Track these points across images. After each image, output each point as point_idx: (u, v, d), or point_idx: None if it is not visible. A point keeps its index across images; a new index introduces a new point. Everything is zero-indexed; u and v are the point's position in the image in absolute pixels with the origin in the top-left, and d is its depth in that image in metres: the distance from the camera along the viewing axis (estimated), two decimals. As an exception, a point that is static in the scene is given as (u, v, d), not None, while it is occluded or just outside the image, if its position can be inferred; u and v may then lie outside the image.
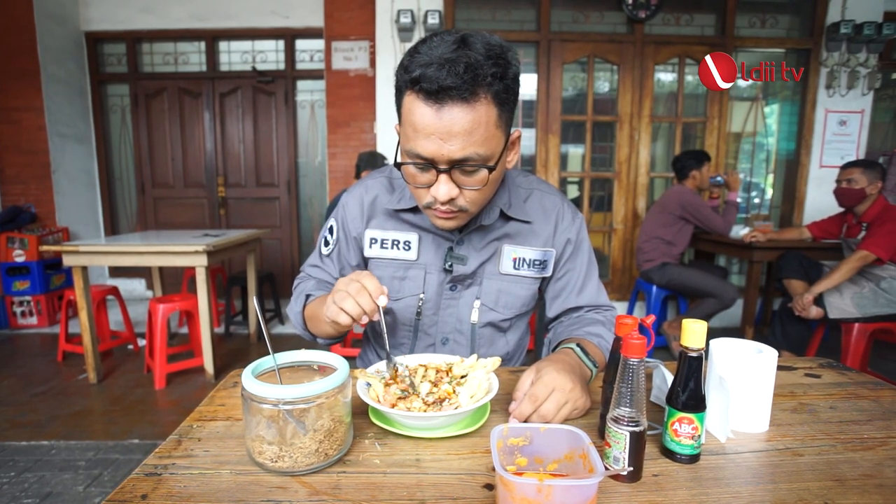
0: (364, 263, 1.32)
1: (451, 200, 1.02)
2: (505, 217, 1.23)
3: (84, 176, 5.61)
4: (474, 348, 1.28)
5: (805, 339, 3.41)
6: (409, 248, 1.24)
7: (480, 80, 0.91)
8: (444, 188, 0.99)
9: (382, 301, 0.95)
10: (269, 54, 5.56)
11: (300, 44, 5.50)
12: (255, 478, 0.74)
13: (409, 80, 0.93)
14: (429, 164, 0.98)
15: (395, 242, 1.25)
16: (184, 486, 0.72)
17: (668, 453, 0.80)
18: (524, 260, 1.25)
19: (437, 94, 0.90)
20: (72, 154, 5.41)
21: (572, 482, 0.62)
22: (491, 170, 0.99)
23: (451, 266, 1.22)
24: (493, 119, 0.96)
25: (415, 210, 1.22)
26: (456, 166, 0.97)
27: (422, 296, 1.26)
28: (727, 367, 0.88)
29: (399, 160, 1.05)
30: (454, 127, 0.92)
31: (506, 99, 0.97)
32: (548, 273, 1.28)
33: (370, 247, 1.28)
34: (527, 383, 0.92)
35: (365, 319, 0.97)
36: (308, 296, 1.27)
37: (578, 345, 1.08)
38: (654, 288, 4.03)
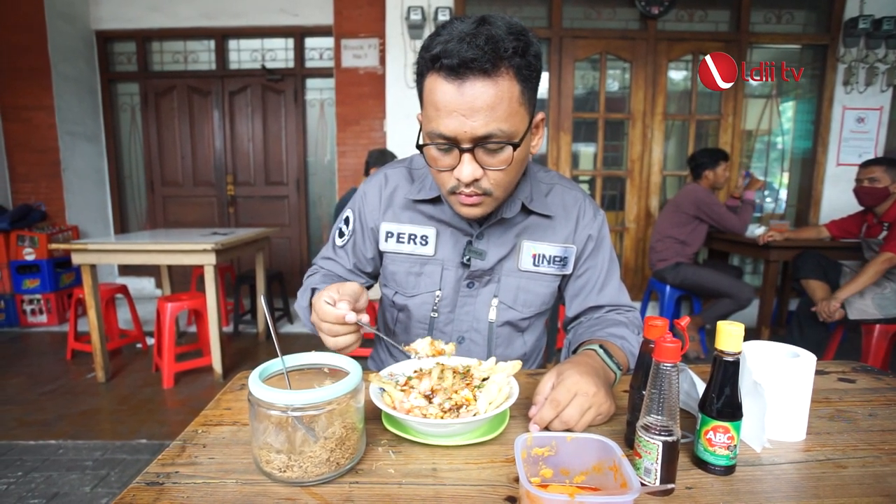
0: (379, 256, 1.29)
1: (475, 182, 0.99)
2: (526, 211, 1.20)
3: (94, 174, 5.61)
4: (491, 348, 1.25)
5: (823, 341, 3.34)
6: (427, 242, 1.21)
7: (501, 52, 0.89)
8: (467, 168, 0.96)
9: (351, 318, 0.90)
10: (279, 52, 5.53)
11: (309, 42, 5.47)
12: (262, 488, 0.70)
13: (430, 59, 0.92)
14: (451, 144, 0.96)
15: (412, 237, 1.22)
16: (187, 497, 0.68)
17: (701, 464, 0.75)
18: (544, 256, 1.21)
19: (458, 70, 0.89)
20: (82, 152, 5.41)
21: (606, 499, 0.57)
22: (515, 146, 0.96)
23: (468, 260, 1.18)
24: (516, 95, 0.94)
25: (434, 201, 1.20)
26: (479, 145, 0.95)
27: (438, 293, 1.23)
28: (762, 371, 0.83)
29: (420, 143, 1.02)
30: (476, 102, 0.90)
31: (528, 76, 0.95)
32: (568, 270, 1.24)
33: (386, 241, 1.24)
34: (547, 387, 0.88)
35: (352, 339, 0.95)
36: (314, 290, 1.21)
37: (601, 346, 1.03)
38: (668, 288, 3.96)
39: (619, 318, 1.22)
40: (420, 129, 1.03)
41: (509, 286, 1.22)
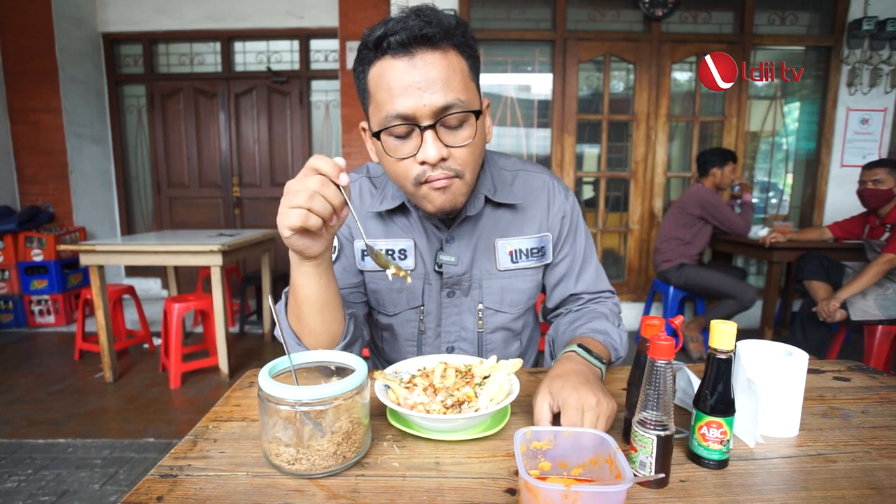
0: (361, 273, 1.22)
1: (442, 162, 0.94)
2: (493, 205, 1.15)
3: (101, 176, 5.66)
4: (482, 354, 1.22)
5: (826, 342, 3.35)
6: (406, 256, 1.15)
7: (445, 24, 0.90)
8: (432, 147, 0.92)
9: (343, 180, 0.81)
10: (284, 54, 5.57)
11: (315, 44, 5.51)
12: (271, 480, 0.73)
13: (373, 45, 0.91)
14: (411, 124, 0.92)
15: (390, 252, 1.15)
16: (199, 489, 0.70)
17: (696, 458, 0.77)
18: (521, 251, 1.17)
19: (407, 44, 0.88)
20: (89, 154, 5.46)
21: (600, 489, 0.59)
22: (478, 114, 0.96)
23: (440, 267, 1.14)
24: (466, 70, 0.94)
25: (401, 210, 1.15)
26: (440, 119, 0.92)
27: (422, 308, 1.18)
28: (756, 369, 0.85)
29: (375, 132, 0.96)
30: (430, 73, 0.89)
31: (471, 55, 0.96)
32: (548, 259, 1.21)
33: (363, 259, 1.17)
34: (544, 409, 0.84)
35: (333, 220, 0.83)
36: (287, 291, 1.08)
37: (580, 345, 1.01)
38: (672, 289, 3.98)
39: (600, 309, 1.20)
40: (370, 136, 1.00)
41: (492, 289, 1.18)
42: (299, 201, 0.79)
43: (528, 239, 1.18)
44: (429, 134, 0.92)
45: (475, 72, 0.98)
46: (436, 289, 1.17)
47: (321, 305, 0.96)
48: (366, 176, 1.22)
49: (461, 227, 1.14)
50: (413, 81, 0.89)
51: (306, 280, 0.92)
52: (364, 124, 1.04)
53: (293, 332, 1.02)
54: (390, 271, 0.90)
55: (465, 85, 0.93)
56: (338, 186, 0.81)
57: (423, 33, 0.88)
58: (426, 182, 0.97)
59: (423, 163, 0.94)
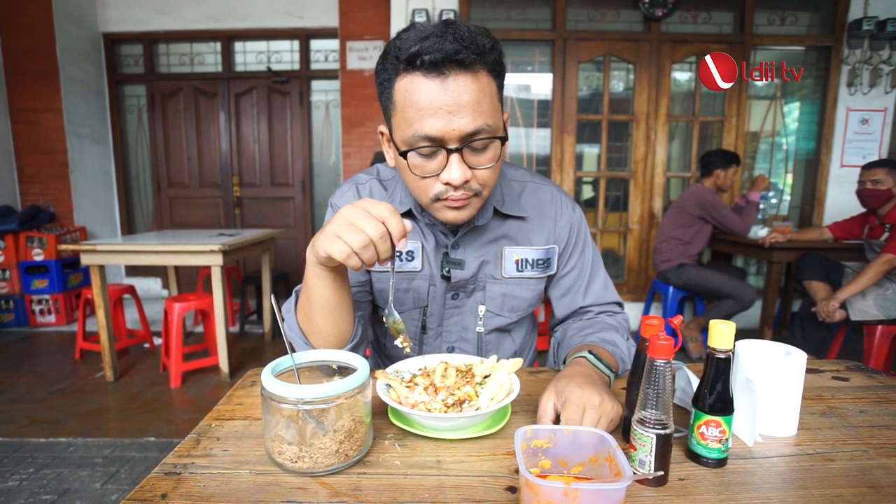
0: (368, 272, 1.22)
1: (465, 184, 0.95)
2: (501, 215, 1.17)
3: (101, 176, 5.67)
4: (481, 355, 1.22)
5: (826, 342, 3.36)
6: (413, 258, 1.16)
7: (480, 46, 0.89)
8: (457, 170, 0.92)
9: (403, 245, 0.84)
10: (284, 54, 5.57)
11: (315, 44, 5.51)
12: (274, 478, 0.74)
13: (405, 60, 0.89)
14: (437, 146, 0.92)
15: (398, 253, 1.14)
16: (203, 486, 0.71)
17: (694, 457, 0.78)
18: (527, 261, 1.19)
19: (439, 65, 0.87)
20: (89, 154, 5.46)
21: (600, 486, 0.60)
22: (503, 140, 0.96)
23: (448, 272, 1.15)
24: (494, 91, 0.94)
25: (410, 215, 1.15)
26: (467, 143, 0.91)
27: (425, 309, 1.20)
28: (755, 369, 0.86)
29: (400, 150, 0.96)
30: (462, 97, 0.88)
31: (499, 72, 0.95)
32: (552, 270, 1.23)
33: None
34: (549, 407, 0.85)
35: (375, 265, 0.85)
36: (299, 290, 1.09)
37: (591, 352, 1.01)
38: (671, 289, 3.98)
39: (609, 321, 1.20)
40: (391, 139, 1.00)
41: (495, 294, 1.19)
42: (352, 242, 0.80)
43: (535, 250, 1.19)
44: (454, 157, 0.92)
45: (502, 90, 0.98)
46: (440, 291, 1.18)
47: (332, 307, 0.97)
48: (376, 178, 1.22)
49: (467, 235, 1.15)
50: (444, 104, 0.88)
51: (321, 282, 0.94)
52: (383, 128, 1.04)
53: (301, 330, 1.03)
54: (398, 340, 0.95)
55: (494, 108, 0.93)
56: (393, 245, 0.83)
57: (458, 55, 0.87)
58: (445, 199, 0.98)
59: (446, 183, 0.95)
